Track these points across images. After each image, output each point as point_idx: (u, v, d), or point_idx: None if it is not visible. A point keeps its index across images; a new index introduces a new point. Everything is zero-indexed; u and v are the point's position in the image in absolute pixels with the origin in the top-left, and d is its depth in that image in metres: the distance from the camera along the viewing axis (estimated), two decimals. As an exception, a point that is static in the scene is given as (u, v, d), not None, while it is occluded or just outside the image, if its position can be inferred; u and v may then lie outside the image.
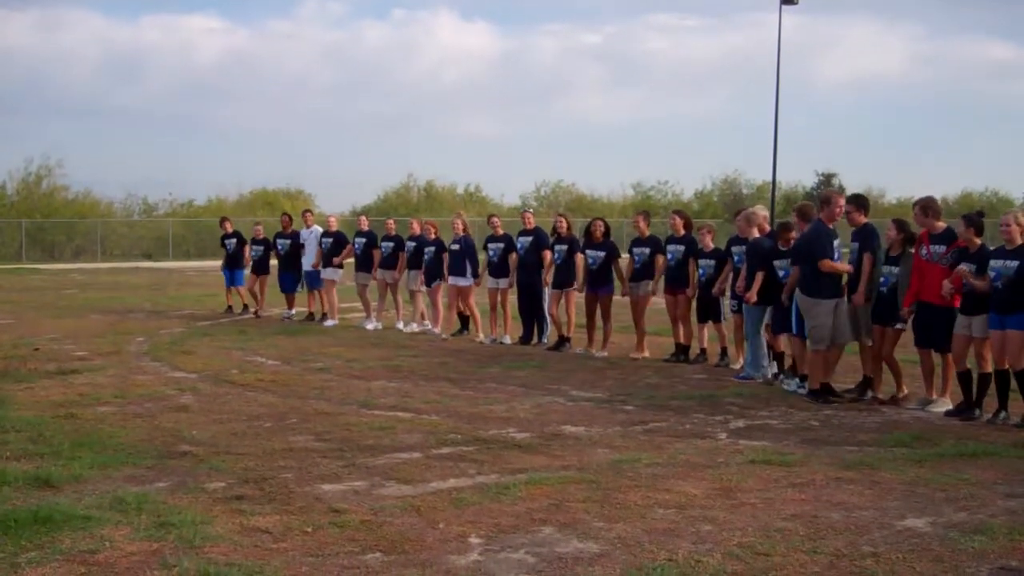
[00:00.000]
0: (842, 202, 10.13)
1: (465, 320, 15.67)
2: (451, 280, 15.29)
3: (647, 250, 13.42)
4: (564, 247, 14.03)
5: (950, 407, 9.38)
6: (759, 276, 11.06)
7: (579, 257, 13.97)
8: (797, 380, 10.56)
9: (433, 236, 15.93)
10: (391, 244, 16.64)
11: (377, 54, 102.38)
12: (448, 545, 5.39)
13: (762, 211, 12.17)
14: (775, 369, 11.25)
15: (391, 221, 17.65)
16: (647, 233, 13.63)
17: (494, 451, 7.62)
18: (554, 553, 5.26)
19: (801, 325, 10.34)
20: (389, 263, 16.60)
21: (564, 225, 14.28)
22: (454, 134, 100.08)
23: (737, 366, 12.14)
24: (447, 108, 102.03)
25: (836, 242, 10.10)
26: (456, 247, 15.29)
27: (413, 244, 16.21)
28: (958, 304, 9.21)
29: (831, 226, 10.10)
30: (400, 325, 16.31)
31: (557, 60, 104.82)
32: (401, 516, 5.91)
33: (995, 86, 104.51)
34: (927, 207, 9.74)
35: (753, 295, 11.08)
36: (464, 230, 15.42)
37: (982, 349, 9.07)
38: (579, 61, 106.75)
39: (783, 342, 11.08)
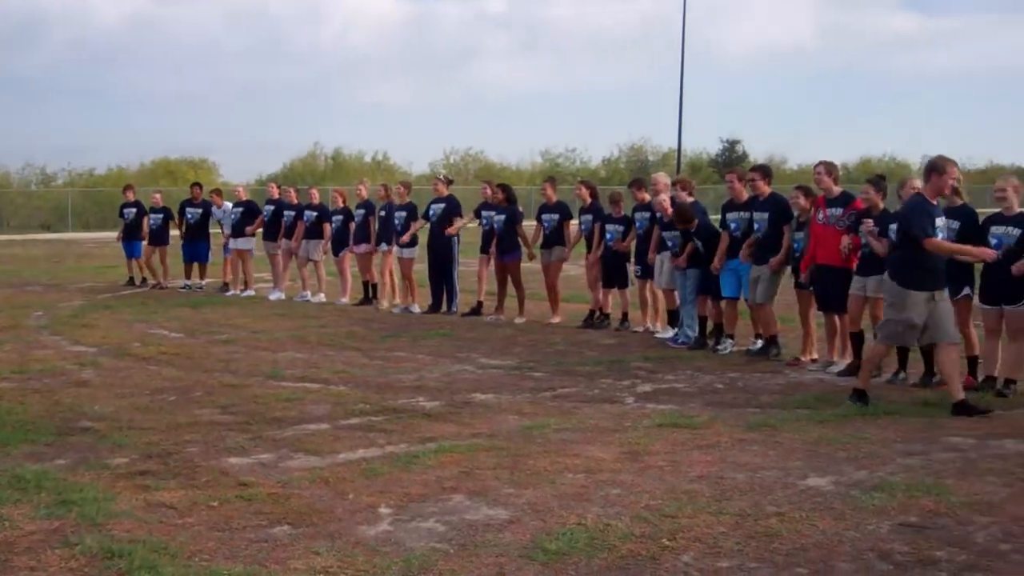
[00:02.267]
0: (956, 173, 8.29)
1: (371, 289, 15.52)
2: (383, 247, 15.10)
3: (556, 216, 13.47)
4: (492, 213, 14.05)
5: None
6: (690, 243, 11.22)
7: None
8: (731, 341, 10.85)
9: (341, 204, 15.79)
10: (292, 213, 16.41)
11: (281, 19, 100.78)
12: (358, 516, 5.36)
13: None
14: (695, 332, 11.33)
15: (292, 190, 17.37)
16: (555, 199, 13.67)
17: (403, 420, 7.60)
18: (464, 521, 5.27)
19: (735, 288, 10.70)
20: (289, 232, 16.38)
21: (488, 192, 14.31)
22: (361, 102, 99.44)
23: (640, 329, 12.33)
24: (353, 75, 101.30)
25: (940, 221, 8.11)
26: (383, 214, 15.17)
27: (314, 214, 16.04)
28: (854, 265, 9.44)
29: (935, 201, 8.14)
30: (307, 295, 16.12)
31: (462, 27, 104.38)
32: (309, 488, 5.86)
33: (898, 56, 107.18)
34: (831, 169, 9.93)
35: (683, 259, 11.22)
36: (387, 196, 15.29)
37: (877, 310, 9.28)
38: (485, 28, 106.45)
39: (707, 306, 11.27)
